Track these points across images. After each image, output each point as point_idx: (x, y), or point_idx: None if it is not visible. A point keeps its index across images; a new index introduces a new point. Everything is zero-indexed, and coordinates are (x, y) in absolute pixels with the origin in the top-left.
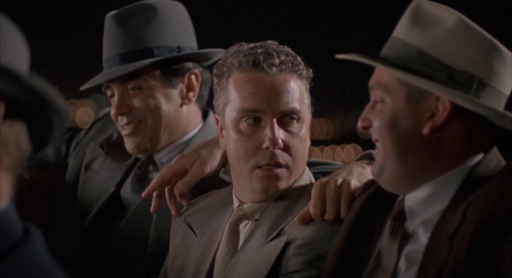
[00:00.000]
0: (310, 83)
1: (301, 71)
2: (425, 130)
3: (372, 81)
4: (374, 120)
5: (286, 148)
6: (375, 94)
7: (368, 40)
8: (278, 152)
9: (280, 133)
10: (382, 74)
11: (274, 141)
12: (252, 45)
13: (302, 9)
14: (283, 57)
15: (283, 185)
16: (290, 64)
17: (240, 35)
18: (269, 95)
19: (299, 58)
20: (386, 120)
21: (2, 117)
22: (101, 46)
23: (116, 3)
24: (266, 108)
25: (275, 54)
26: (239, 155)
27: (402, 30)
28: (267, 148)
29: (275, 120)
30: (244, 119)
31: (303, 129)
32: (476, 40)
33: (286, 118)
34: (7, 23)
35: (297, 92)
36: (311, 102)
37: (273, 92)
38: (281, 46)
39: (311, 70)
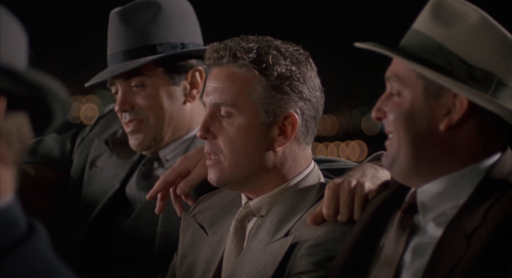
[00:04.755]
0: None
1: (250, 69)
2: (441, 127)
3: (389, 72)
4: (390, 113)
5: (216, 140)
6: (391, 86)
7: (373, 38)
8: (209, 142)
9: (211, 125)
10: (399, 66)
11: (198, 131)
12: (227, 40)
13: (307, 5)
14: (222, 52)
15: (219, 174)
16: (230, 59)
17: (245, 31)
18: (208, 89)
19: (263, 56)
20: (402, 114)
21: (3, 112)
22: (106, 42)
23: (121, 0)
24: (205, 101)
25: (220, 49)
26: None
27: (423, 23)
28: None
29: (208, 112)
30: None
31: (234, 124)
32: (497, 39)
33: (220, 111)
34: (3, 15)
35: (236, 88)
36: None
37: (211, 86)
38: (245, 41)
39: (285, 68)
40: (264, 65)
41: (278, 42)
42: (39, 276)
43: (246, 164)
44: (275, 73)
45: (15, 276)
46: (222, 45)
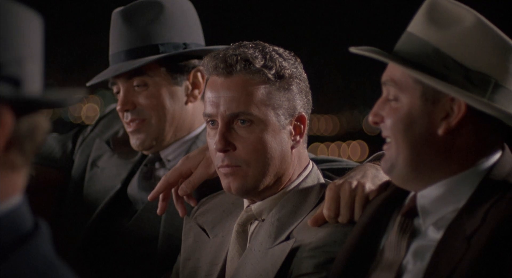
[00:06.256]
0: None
1: (263, 74)
2: (440, 131)
3: (385, 77)
4: (387, 119)
5: (237, 151)
6: (388, 90)
7: (374, 37)
8: (228, 155)
9: (229, 137)
10: (395, 70)
11: (217, 145)
12: (224, 48)
13: (309, 5)
14: (231, 61)
15: (242, 182)
16: (242, 67)
17: (247, 31)
18: (219, 100)
19: (269, 60)
20: (401, 120)
21: (12, 124)
22: (107, 42)
23: (122, 0)
24: (216, 113)
25: (227, 57)
26: (211, 156)
27: (418, 27)
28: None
29: (223, 124)
30: (208, 122)
31: (256, 132)
32: (493, 42)
33: (236, 121)
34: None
35: (252, 94)
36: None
37: (222, 96)
38: (246, 48)
39: (290, 70)
40: (274, 69)
41: (269, 46)
42: (40, 275)
43: (271, 170)
44: (285, 75)
45: (18, 274)
46: (227, 53)
